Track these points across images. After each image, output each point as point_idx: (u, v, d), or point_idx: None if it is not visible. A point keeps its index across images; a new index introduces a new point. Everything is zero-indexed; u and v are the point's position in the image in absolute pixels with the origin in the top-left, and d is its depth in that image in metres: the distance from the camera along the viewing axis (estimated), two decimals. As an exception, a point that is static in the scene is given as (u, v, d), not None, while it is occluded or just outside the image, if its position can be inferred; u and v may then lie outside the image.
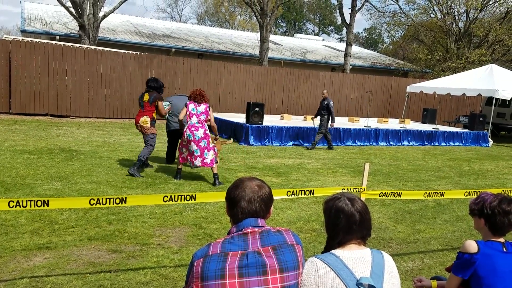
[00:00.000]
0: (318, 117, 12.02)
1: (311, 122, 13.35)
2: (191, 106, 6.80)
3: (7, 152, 8.29)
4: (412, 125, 16.22)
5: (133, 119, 15.33)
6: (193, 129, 6.68)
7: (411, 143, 14.45)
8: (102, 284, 3.44)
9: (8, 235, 4.28)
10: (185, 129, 6.79)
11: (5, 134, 10.44)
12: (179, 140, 7.22)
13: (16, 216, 4.77)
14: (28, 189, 5.91)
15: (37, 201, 2.94)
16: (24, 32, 19.29)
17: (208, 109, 6.87)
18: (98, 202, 3.08)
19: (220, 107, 17.15)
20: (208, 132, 6.84)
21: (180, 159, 7.00)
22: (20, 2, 24.31)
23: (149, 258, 3.98)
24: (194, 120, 6.75)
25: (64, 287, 3.35)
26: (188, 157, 6.88)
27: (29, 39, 15.47)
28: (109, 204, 3.14)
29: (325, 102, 11.63)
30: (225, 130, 13.05)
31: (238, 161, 9.17)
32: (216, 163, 6.98)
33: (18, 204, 2.89)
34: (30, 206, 2.92)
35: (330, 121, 11.70)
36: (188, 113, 6.80)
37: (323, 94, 11.77)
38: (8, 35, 19.92)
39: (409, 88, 18.45)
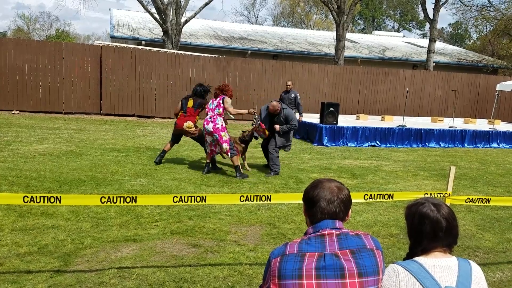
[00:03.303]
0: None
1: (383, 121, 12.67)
2: (210, 102, 7.39)
3: (98, 150, 9.01)
4: (503, 126, 14.97)
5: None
6: (205, 123, 7.26)
7: (501, 146, 13.35)
8: (183, 277, 3.62)
9: (98, 227, 4.65)
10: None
11: (96, 133, 11.36)
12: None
13: (106, 210, 5.17)
14: (117, 185, 6.37)
15: (126, 197, 3.17)
16: (113, 37, 20.71)
17: (222, 101, 7.25)
18: (180, 199, 3.25)
19: (295, 107, 17.14)
20: (219, 126, 7.16)
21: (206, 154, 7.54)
22: (110, 10, 26.24)
23: (226, 254, 4.11)
24: (208, 115, 7.27)
25: (149, 278, 3.57)
26: (212, 148, 7.38)
27: (118, 44, 16.65)
28: (191, 202, 3.30)
29: (292, 95, 10.74)
30: (298, 130, 13.02)
31: (312, 162, 9.11)
32: (235, 155, 7.25)
33: (109, 200, 3.13)
34: (120, 202, 3.15)
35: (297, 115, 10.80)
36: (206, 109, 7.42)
37: (288, 85, 10.81)
38: (99, 41, 21.54)
39: (499, 86, 17.07)
